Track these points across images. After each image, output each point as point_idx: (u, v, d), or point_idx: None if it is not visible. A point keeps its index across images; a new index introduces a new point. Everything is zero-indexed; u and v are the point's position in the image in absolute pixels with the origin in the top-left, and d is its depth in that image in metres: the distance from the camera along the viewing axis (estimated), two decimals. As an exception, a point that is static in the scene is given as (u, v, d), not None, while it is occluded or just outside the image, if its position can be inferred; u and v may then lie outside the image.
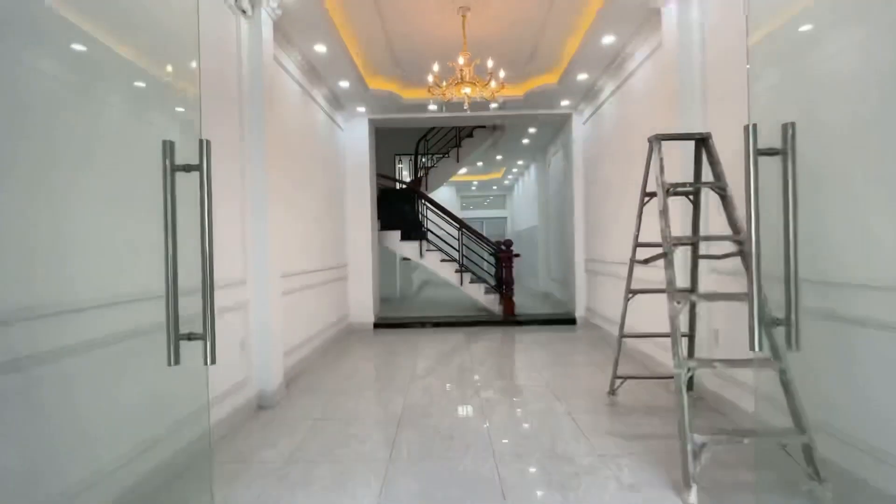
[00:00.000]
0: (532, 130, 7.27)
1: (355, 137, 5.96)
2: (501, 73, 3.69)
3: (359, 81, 4.85)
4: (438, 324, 5.99)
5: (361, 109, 5.75)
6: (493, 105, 5.66)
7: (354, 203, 5.97)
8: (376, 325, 5.98)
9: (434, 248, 6.70)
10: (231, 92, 2.91)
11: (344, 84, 4.89)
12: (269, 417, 2.91)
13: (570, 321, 5.99)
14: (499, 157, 9.26)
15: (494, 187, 13.88)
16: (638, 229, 2.68)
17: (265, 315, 3.13)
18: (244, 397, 2.93)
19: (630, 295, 2.80)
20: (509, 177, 12.16)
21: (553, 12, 3.86)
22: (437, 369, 3.99)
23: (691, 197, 2.63)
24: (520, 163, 9.98)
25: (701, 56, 2.99)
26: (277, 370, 3.23)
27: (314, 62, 4.28)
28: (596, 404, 2.97)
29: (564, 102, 5.71)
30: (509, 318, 6.09)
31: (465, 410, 2.95)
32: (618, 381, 2.96)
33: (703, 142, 2.49)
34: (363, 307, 5.99)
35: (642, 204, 2.66)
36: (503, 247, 6.37)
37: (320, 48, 4.00)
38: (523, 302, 7.75)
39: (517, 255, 6.30)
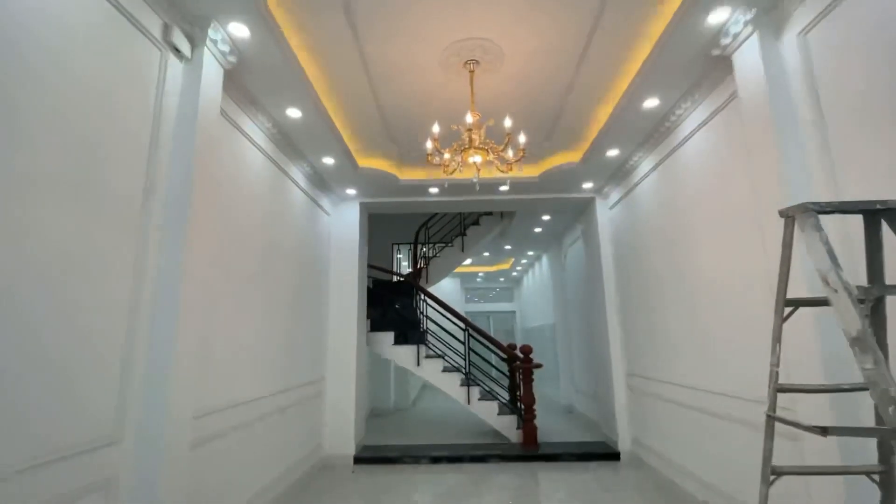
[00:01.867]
0: (546, 218, 6.45)
1: (344, 224, 5.10)
2: (522, 138, 2.85)
3: (346, 157, 4.08)
4: (437, 459, 4.56)
5: (352, 192, 4.96)
6: (504, 187, 4.86)
7: (339, 301, 4.90)
8: (358, 460, 4.56)
9: (434, 355, 5.48)
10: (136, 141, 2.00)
11: (328, 160, 4.11)
12: None
13: (611, 455, 4.56)
14: (507, 247, 8.40)
15: (501, 279, 12.92)
16: (777, 359, 1.56)
17: (151, 493, 1.89)
18: None
19: (773, 477, 1.59)
20: (518, 268, 11.25)
21: (583, 70, 3.14)
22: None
23: (864, 302, 1.56)
24: (530, 253, 9.11)
25: (811, 107, 2.12)
26: None
27: (287, 130, 3.51)
28: None
29: (587, 185, 4.91)
30: (531, 452, 4.66)
31: None
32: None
33: (881, 215, 1.48)
34: (342, 433, 4.62)
35: (782, 319, 1.57)
36: (520, 353, 5.15)
37: (293, 113, 3.24)
38: (544, 420, 6.29)
39: (539, 366, 5.06)
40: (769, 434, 1.59)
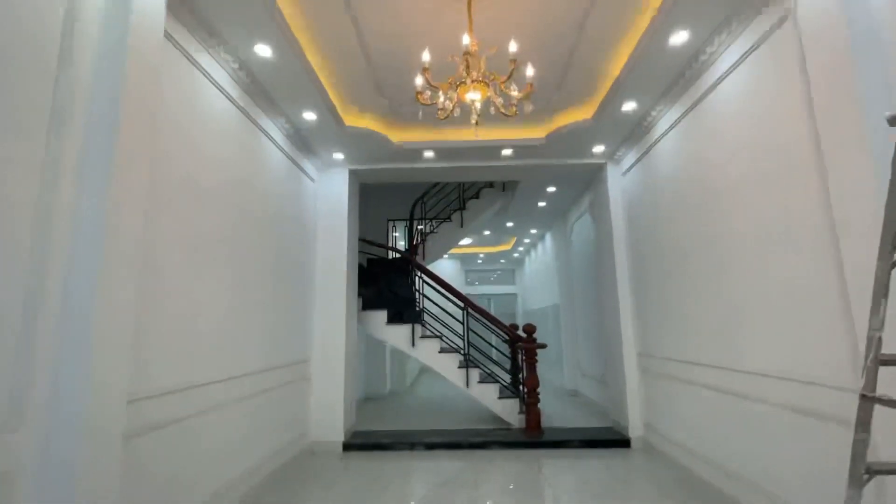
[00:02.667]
0: (551, 190, 6.00)
1: (332, 192, 4.66)
2: (529, 70, 2.40)
3: (329, 113, 3.63)
4: (434, 445, 4.20)
5: (339, 156, 4.51)
6: (506, 151, 4.42)
7: (326, 277, 4.50)
8: (347, 447, 4.21)
9: (431, 335, 5.09)
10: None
11: (309, 115, 3.66)
12: None
13: (621, 443, 4.20)
14: (509, 224, 7.97)
15: (503, 260, 12.51)
16: (881, 321, 1.15)
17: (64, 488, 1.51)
18: None
19: (867, 477, 1.19)
20: (519, 248, 10.83)
21: (597, 7, 2.68)
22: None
23: None
24: (533, 231, 8.68)
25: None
26: None
27: (258, 73, 3.05)
28: None
29: (598, 149, 4.46)
30: (535, 438, 4.30)
31: None
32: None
33: None
34: (330, 419, 4.26)
35: (890, 263, 1.16)
36: (523, 333, 4.76)
37: (263, 50, 2.79)
38: (548, 405, 5.94)
39: (543, 346, 4.68)
40: (864, 421, 1.18)
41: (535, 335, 4.70)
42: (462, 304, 5.16)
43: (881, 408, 1.20)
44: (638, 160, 4.17)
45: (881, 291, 1.15)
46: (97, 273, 1.63)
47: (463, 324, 5.11)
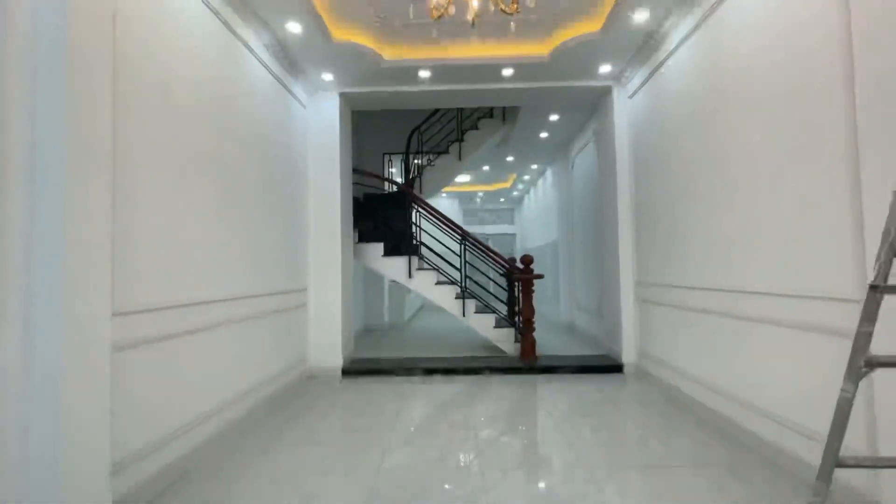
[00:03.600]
0: (554, 118, 5.73)
1: (323, 118, 4.43)
2: (533, -38, 2.14)
3: (315, 23, 3.34)
4: (431, 370, 4.31)
5: (328, 77, 4.23)
6: (507, 71, 4.14)
7: (320, 206, 4.39)
8: (346, 372, 4.32)
9: (428, 267, 5.07)
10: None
11: (293, 27, 3.37)
12: None
13: (614, 368, 4.30)
14: (509, 159, 7.73)
15: (502, 199, 12.33)
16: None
17: (49, 394, 1.50)
18: None
19: (865, 370, 1.16)
20: (519, 186, 10.62)
21: None
22: (415, 478, 2.30)
23: None
24: (534, 167, 8.45)
25: None
26: (84, 509, 1.58)
27: (232, -29, 2.76)
28: None
29: (605, 69, 4.18)
30: (530, 364, 4.41)
31: None
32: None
33: None
34: (328, 347, 4.34)
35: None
36: (521, 265, 4.74)
37: (235, -61, 2.49)
38: (543, 338, 6.06)
39: (540, 276, 4.67)
40: (870, 313, 1.13)
41: (532, 266, 4.67)
42: (459, 235, 5.09)
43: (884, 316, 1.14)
44: (645, 81, 3.91)
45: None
46: (63, 178, 1.51)
47: (460, 256, 5.07)
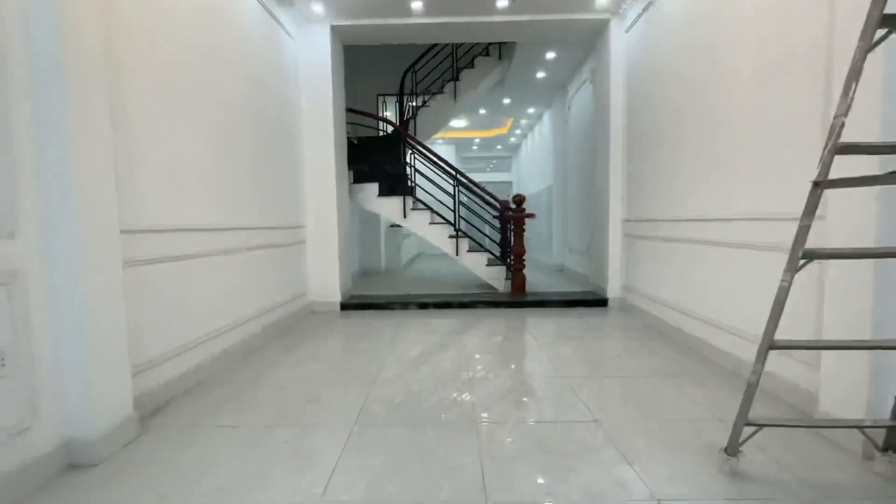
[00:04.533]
0: (550, 56, 5.61)
1: (313, 52, 4.35)
2: None
3: (302, -54, 3.22)
4: (426, 304, 4.53)
5: (318, 9, 4.11)
6: (501, 2, 4.02)
7: (314, 145, 4.41)
8: (344, 306, 4.53)
9: (422, 207, 5.16)
10: None
11: (280, -51, 3.26)
12: (80, 486, 1.48)
13: (599, 302, 4.52)
14: (506, 101, 7.60)
15: (499, 146, 12.21)
16: (847, 106, 1.15)
17: (72, 302, 1.65)
18: (26, 453, 1.50)
19: (802, 262, 1.30)
20: (517, 132, 10.49)
21: None
22: (410, 386, 2.53)
23: None
24: (531, 110, 8.32)
25: None
26: (110, 400, 1.77)
27: None
28: (706, 477, 1.53)
29: (601, 0, 4.07)
30: (519, 299, 4.62)
31: (455, 493, 1.51)
32: (747, 431, 1.50)
33: None
34: (327, 283, 4.52)
35: (869, 44, 1.12)
36: (513, 204, 4.83)
37: None
38: (534, 278, 6.28)
39: (532, 215, 4.78)
40: (811, 208, 1.25)
41: (524, 206, 4.77)
42: (451, 174, 5.14)
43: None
44: (642, 12, 3.83)
45: (854, 75, 1.13)
46: (65, 93, 1.58)
47: (453, 196, 5.15)
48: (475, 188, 5.19)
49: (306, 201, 4.44)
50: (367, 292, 5.18)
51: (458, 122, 9.74)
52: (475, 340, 3.38)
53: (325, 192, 4.45)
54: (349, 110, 5.02)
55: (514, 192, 12.81)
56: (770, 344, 1.35)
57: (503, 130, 10.56)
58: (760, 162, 2.39)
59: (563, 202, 7.17)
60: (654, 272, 3.75)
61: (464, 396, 2.28)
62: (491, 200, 5.19)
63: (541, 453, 1.72)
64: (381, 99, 6.99)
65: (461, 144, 11.84)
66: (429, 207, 5.23)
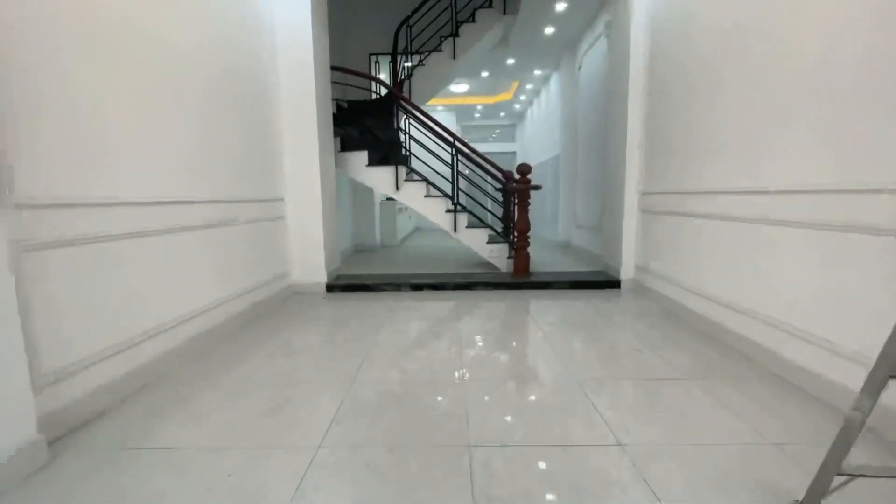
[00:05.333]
0: (560, 7, 5.00)
1: (291, 2, 3.78)
2: None
3: None
4: (420, 286, 4.12)
5: (293, -56, 3.53)
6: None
7: (293, 108, 3.90)
8: (331, 288, 4.13)
9: (417, 179, 4.69)
10: None
11: None
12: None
13: (611, 284, 4.11)
14: (510, 62, 6.97)
15: (502, 114, 11.54)
16: None
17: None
18: None
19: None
20: (521, 97, 9.84)
21: None
22: (393, 390, 2.14)
23: None
24: (538, 72, 7.69)
25: None
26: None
27: None
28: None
29: (624, -67, 3.46)
30: (522, 280, 4.20)
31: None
32: (837, 480, 1.10)
33: None
34: (311, 262, 4.10)
35: None
36: (517, 175, 4.35)
37: None
38: (539, 256, 5.86)
39: (537, 187, 4.31)
40: None
41: (529, 177, 4.29)
42: (449, 142, 4.64)
43: None
44: (675, -56, 3.24)
45: None
46: None
47: (451, 167, 4.67)
48: (476, 157, 4.68)
49: (285, 172, 3.97)
50: (358, 271, 4.78)
51: (458, 88, 9.10)
52: (471, 329, 2.99)
53: (306, 162, 3.98)
54: (335, 69, 4.48)
55: (519, 163, 12.23)
56: (892, 370, 0.92)
57: (507, 96, 9.91)
58: (826, 116, 1.91)
59: (570, 173, 6.66)
60: (675, 252, 3.31)
61: (456, 407, 1.89)
62: (493, 171, 4.70)
63: (551, 492, 1.34)
64: (374, 59, 6.39)
65: (462, 112, 11.19)
66: (425, 179, 4.75)
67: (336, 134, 4.67)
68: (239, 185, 3.21)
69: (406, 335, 2.88)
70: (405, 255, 6.28)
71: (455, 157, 4.65)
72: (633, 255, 4.05)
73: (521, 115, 11.67)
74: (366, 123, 5.32)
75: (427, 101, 6.01)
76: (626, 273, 4.08)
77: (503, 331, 3.00)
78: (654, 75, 3.67)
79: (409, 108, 4.66)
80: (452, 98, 10.04)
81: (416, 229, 10.22)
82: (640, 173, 3.92)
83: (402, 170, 4.59)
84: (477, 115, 11.58)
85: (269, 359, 2.46)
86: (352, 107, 5.62)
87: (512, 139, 12.72)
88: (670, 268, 3.40)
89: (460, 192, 4.81)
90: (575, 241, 6.47)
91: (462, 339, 2.74)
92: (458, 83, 8.78)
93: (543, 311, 3.43)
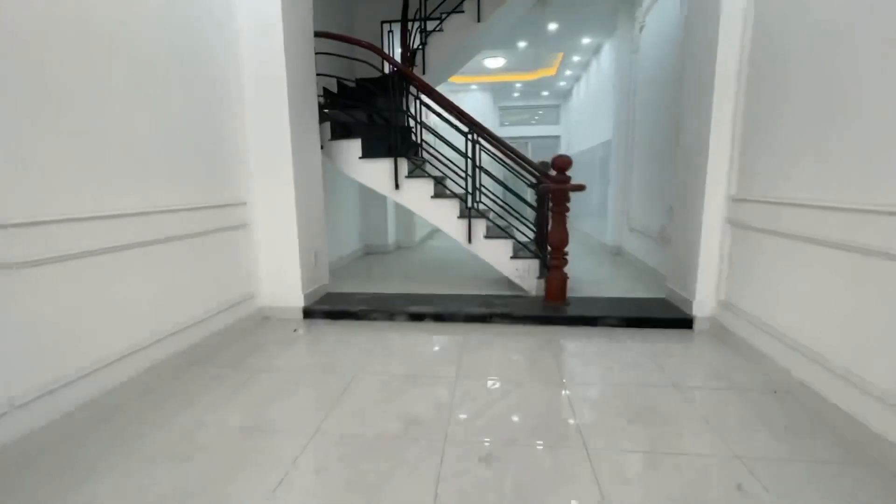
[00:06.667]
0: (619, -55, 3.76)
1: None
2: None
3: None
4: (420, 316, 3.18)
5: None
6: None
7: (256, 90, 3.02)
8: (309, 313, 3.28)
9: (422, 175, 3.69)
10: None
11: None
12: None
13: (680, 322, 2.97)
14: (552, 28, 5.75)
15: (545, 92, 10.22)
16: None
17: None
18: None
19: None
20: (567, 72, 8.51)
21: None
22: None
23: None
24: (586, 41, 6.40)
25: None
26: None
27: None
28: None
29: None
30: (554, 313, 3.15)
31: None
32: None
33: None
34: (284, 280, 3.26)
35: None
36: (553, 171, 3.26)
37: None
38: (581, 265, 4.75)
39: (580, 188, 3.19)
40: None
41: (567, 172, 3.19)
42: (466, 128, 3.60)
43: None
44: None
45: None
46: None
47: (468, 158, 3.63)
48: (500, 148, 3.60)
49: (251, 170, 3.12)
50: (353, 287, 3.91)
51: (493, 62, 7.93)
52: (472, 400, 2.01)
53: (276, 156, 3.10)
54: (320, 35, 3.54)
55: (563, 148, 10.86)
56: None
57: (550, 72, 8.61)
58: None
59: (624, 163, 5.42)
60: (784, 287, 2.15)
61: None
62: (522, 164, 3.61)
63: None
64: (386, 27, 5.38)
65: (499, 91, 9.98)
66: (426, 174, 3.74)
67: (333, 118, 3.75)
68: (183, 190, 2.40)
69: (377, 406, 1.95)
70: (420, 260, 5.35)
71: (473, 144, 3.60)
72: (715, 285, 2.89)
73: (566, 94, 10.30)
74: (376, 106, 4.38)
75: (448, 76, 4.97)
76: (702, 309, 2.94)
77: (518, 411, 1.99)
78: (760, 32, 2.45)
79: (413, 82, 3.64)
80: (487, 75, 8.87)
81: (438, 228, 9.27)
82: (730, 171, 2.74)
83: (404, 163, 3.62)
84: (516, 94, 10.33)
85: (145, 467, 1.61)
86: (360, 85, 4.68)
87: (556, 121, 11.36)
88: (773, 310, 2.25)
89: (481, 190, 3.78)
90: (627, 248, 5.27)
91: (452, 424, 1.77)
92: (492, 57, 7.63)
93: (581, 369, 2.40)
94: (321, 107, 3.82)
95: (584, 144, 8.17)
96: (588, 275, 4.40)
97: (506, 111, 11.46)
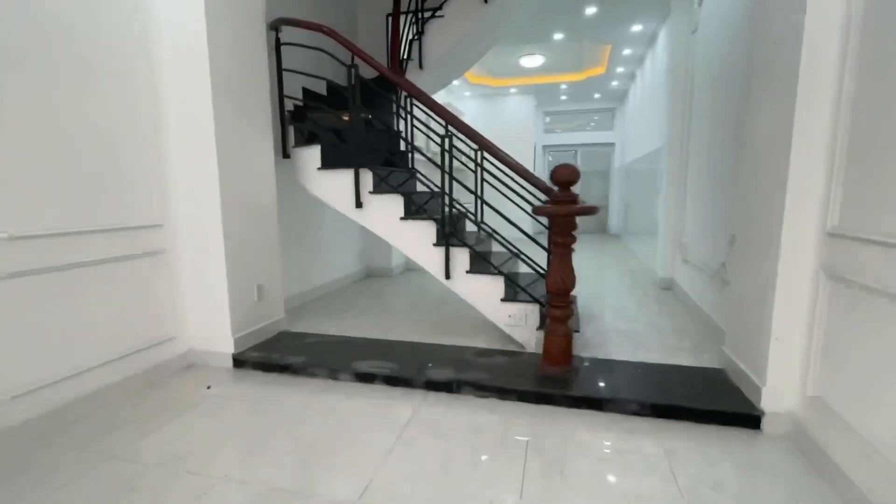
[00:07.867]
0: None
1: None
2: None
3: None
4: (369, 377, 2.41)
5: None
6: None
7: (182, 83, 2.46)
8: (239, 363, 2.63)
9: (388, 189, 2.91)
10: None
11: None
12: None
13: (741, 419, 1.93)
14: (590, 12, 4.78)
15: (597, 94, 9.08)
16: None
17: None
18: None
19: None
20: (619, 70, 7.39)
21: None
22: None
23: None
24: (636, 28, 5.33)
25: None
26: None
27: None
28: None
29: None
30: (552, 384, 2.23)
31: None
32: None
33: None
34: (212, 320, 2.64)
35: None
36: (553, 185, 2.35)
37: None
38: (616, 307, 3.73)
39: (590, 211, 2.24)
40: None
41: (572, 188, 2.27)
42: (443, 124, 2.78)
43: None
44: None
45: None
46: None
47: (443, 169, 2.80)
48: (493, 153, 2.73)
49: (171, 184, 2.54)
50: (320, 323, 3.23)
51: (531, 61, 7.05)
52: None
53: (199, 168, 2.51)
54: (283, 22, 2.92)
55: (618, 157, 9.62)
56: None
57: (600, 70, 7.53)
58: None
59: (678, 174, 4.31)
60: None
61: None
62: (524, 178, 2.71)
63: None
64: (391, 19, 4.74)
65: (544, 94, 9.00)
66: (396, 189, 2.97)
67: (319, 124, 3.13)
68: (69, 210, 1.86)
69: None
70: (419, 288, 4.59)
71: (448, 143, 2.76)
72: (799, 368, 1.84)
73: (621, 96, 9.10)
74: (374, 110, 3.72)
75: (455, 74, 4.20)
76: (777, 401, 1.89)
77: None
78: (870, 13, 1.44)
79: (389, 79, 2.90)
80: (527, 77, 7.97)
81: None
82: (824, 188, 1.70)
83: (368, 175, 2.87)
84: (563, 97, 9.29)
85: None
86: (332, 88, 4.04)
87: (610, 127, 10.14)
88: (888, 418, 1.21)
89: (484, 205, 2.94)
90: (680, 283, 4.13)
91: None
92: (528, 55, 6.75)
93: (567, 498, 1.49)
94: (298, 110, 3.23)
95: (637, 152, 7.00)
96: (623, 319, 3.39)
97: (553, 116, 10.42)
